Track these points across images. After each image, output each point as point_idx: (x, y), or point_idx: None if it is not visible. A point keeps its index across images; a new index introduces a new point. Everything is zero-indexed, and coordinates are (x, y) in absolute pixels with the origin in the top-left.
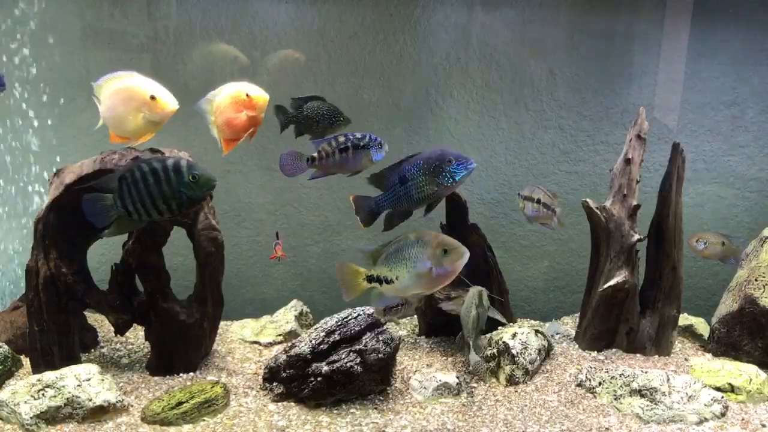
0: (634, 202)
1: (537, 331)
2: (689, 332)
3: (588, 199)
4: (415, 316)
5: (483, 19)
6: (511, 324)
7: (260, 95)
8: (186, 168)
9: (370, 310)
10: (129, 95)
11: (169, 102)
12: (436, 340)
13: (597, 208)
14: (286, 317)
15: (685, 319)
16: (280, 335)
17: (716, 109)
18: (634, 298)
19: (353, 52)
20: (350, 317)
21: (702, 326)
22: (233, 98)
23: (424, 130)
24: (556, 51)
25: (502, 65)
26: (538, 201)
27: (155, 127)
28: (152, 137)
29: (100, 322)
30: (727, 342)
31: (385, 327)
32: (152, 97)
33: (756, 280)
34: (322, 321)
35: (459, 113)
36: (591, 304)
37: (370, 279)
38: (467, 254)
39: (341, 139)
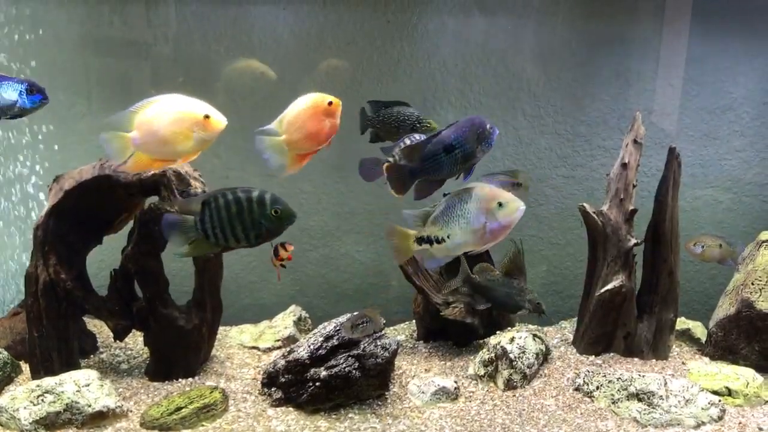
0: (631, 207)
1: (535, 336)
2: (686, 336)
3: (585, 204)
4: (413, 320)
5: (480, 25)
6: (510, 328)
7: (339, 101)
8: (270, 201)
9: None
10: (180, 116)
11: (221, 120)
12: (434, 344)
13: (594, 212)
14: (284, 322)
15: (682, 323)
16: (278, 340)
17: (712, 114)
18: (631, 303)
19: (351, 58)
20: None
21: (699, 330)
22: (314, 109)
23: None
24: (553, 57)
25: (499, 71)
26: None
27: (205, 145)
28: None
29: (99, 327)
30: (724, 346)
31: (383, 332)
32: (206, 117)
33: (752, 283)
34: (321, 326)
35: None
36: (588, 308)
37: (420, 240)
38: (523, 207)
39: (407, 142)
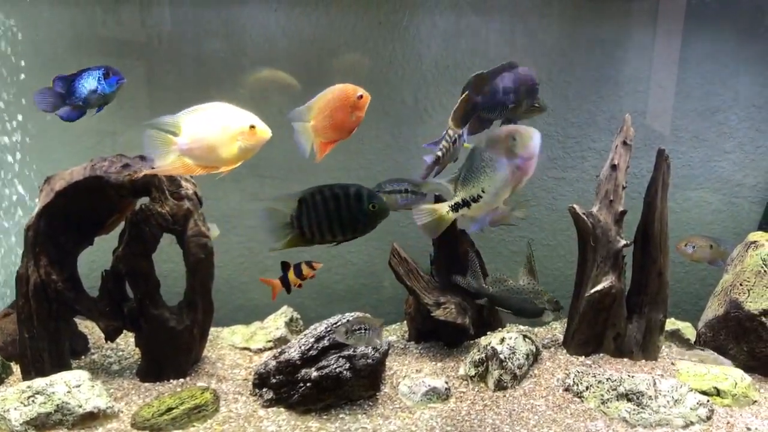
0: (621, 208)
1: (525, 336)
2: (676, 336)
3: (575, 205)
4: (405, 321)
5: (472, 26)
6: (500, 329)
7: (368, 95)
8: (367, 196)
9: (352, 316)
10: (227, 125)
11: (266, 130)
12: (425, 345)
13: (584, 213)
14: (276, 323)
15: (672, 323)
16: (270, 341)
17: (702, 116)
18: (621, 303)
19: (343, 59)
20: (339, 323)
21: (689, 330)
22: (344, 100)
23: (414, 137)
24: (543, 58)
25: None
26: (406, 191)
27: (248, 154)
28: None
29: (90, 328)
30: (713, 346)
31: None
32: (251, 127)
33: (741, 284)
34: (312, 327)
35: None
36: (578, 309)
37: (456, 207)
38: (537, 133)
39: (450, 132)
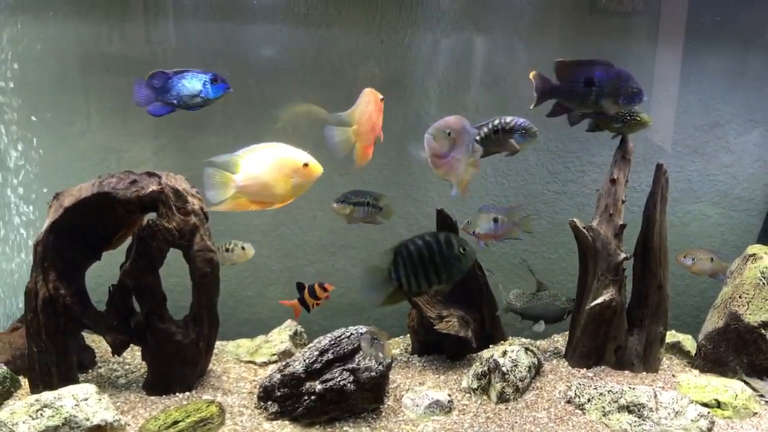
0: (620, 222)
1: (527, 349)
2: (677, 349)
3: (575, 219)
4: (408, 334)
5: (472, 44)
6: (502, 342)
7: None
8: (456, 242)
9: (362, 329)
10: (282, 164)
11: (318, 166)
12: (428, 358)
13: (584, 227)
14: (280, 337)
15: (672, 336)
16: (274, 355)
17: (700, 130)
18: (621, 316)
19: (346, 77)
20: (343, 336)
21: (689, 343)
22: (375, 102)
23: (418, 153)
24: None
25: (491, 89)
26: (367, 203)
27: (301, 191)
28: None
29: (97, 342)
30: (714, 358)
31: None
32: (305, 164)
33: (740, 297)
34: (316, 340)
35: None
36: (579, 321)
37: None
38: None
39: (496, 122)
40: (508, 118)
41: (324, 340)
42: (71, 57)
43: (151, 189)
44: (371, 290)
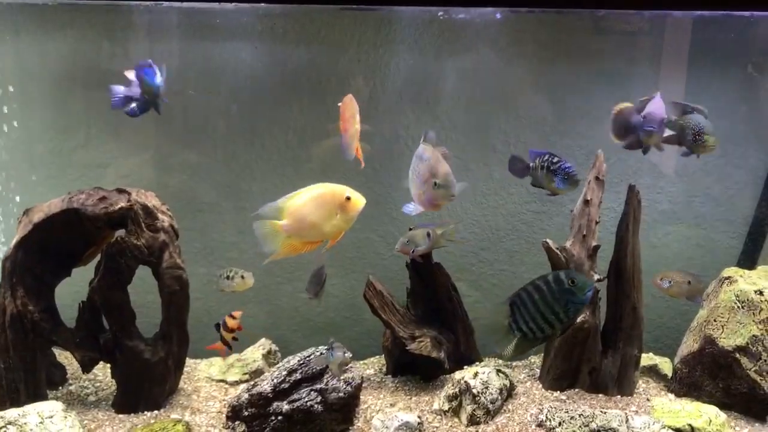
0: (594, 243)
1: (499, 371)
2: (654, 372)
3: (548, 240)
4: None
5: (451, 63)
6: (478, 363)
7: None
8: (564, 276)
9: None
10: (325, 200)
11: (360, 199)
12: (402, 379)
13: (557, 248)
14: (253, 356)
15: (649, 359)
16: (246, 374)
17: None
18: (595, 338)
19: (325, 96)
20: (312, 356)
21: (666, 366)
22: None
23: (396, 171)
24: (522, 95)
25: (470, 108)
26: None
27: (348, 224)
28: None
29: (69, 359)
30: (689, 382)
31: (350, 365)
32: (347, 198)
33: (715, 320)
34: (285, 360)
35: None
36: (553, 343)
37: None
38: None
39: (545, 157)
40: (555, 158)
41: (293, 360)
42: (73, 72)
43: (120, 206)
44: (498, 346)
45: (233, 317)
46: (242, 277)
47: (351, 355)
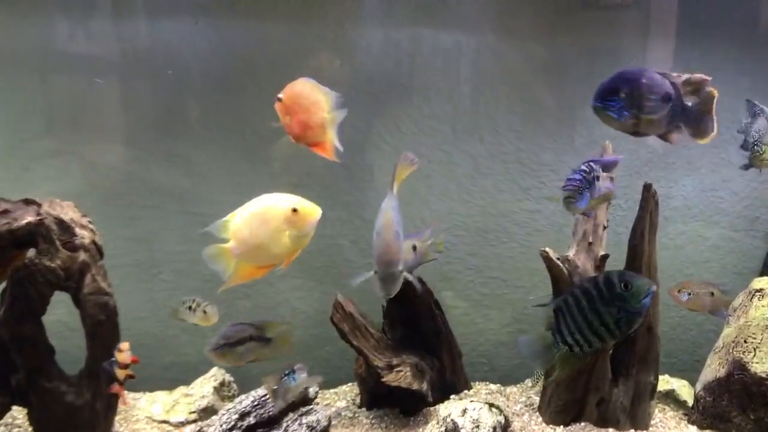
0: (602, 252)
1: (491, 406)
2: (671, 398)
3: (547, 249)
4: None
5: (430, 41)
6: (466, 391)
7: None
8: (617, 277)
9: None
10: (268, 216)
11: (311, 210)
12: (378, 413)
13: (558, 258)
14: (202, 389)
15: (665, 382)
16: (193, 412)
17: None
18: (604, 364)
19: (283, 80)
20: (268, 395)
21: (686, 390)
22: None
23: (368, 166)
24: (514, 77)
25: (452, 92)
26: (250, 338)
27: (304, 240)
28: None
29: None
30: (714, 413)
31: (311, 406)
32: (294, 210)
33: (745, 341)
34: (237, 400)
35: (407, 147)
36: (555, 369)
37: None
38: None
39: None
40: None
41: (246, 401)
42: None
43: (26, 220)
44: (538, 360)
45: (121, 350)
46: (204, 312)
47: (317, 389)
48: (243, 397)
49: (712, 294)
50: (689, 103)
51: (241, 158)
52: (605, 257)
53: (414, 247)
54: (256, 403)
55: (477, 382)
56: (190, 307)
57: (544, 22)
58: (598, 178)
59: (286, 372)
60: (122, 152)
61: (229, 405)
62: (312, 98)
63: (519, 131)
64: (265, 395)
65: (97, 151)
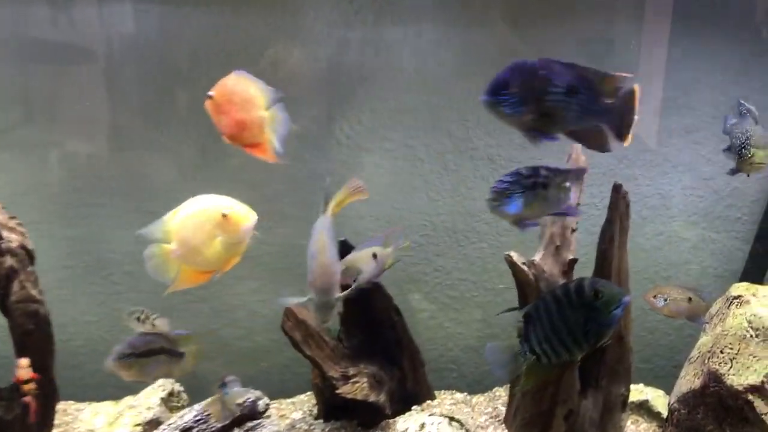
0: (570, 256)
1: (452, 419)
2: (644, 409)
3: (512, 253)
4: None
5: (395, 29)
6: (429, 402)
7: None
8: (588, 285)
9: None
10: (200, 219)
11: (243, 216)
12: (335, 425)
13: (523, 263)
14: (149, 401)
15: (639, 392)
16: (139, 425)
17: (674, 135)
18: (571, 374)
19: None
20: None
21: (660, 401)
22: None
23: (327, 162)
24: (484, 69)
25: (419, 85)
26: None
27: (237, 248)
28: None
29: None
30: (689, 426)
31: (260, 420)
32: (223, 215)
33: (722, 352)
34: (178, 414)
35: (370, 142)
36: (521, 380)
37: None
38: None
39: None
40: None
41: (188, 416)
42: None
43: None
44: (502, 369)
45: (19, 367)
46: (153, 324)
47: (267, 402)
48: (186, 411)
49: (690, 300)
50: (610, 101)
51: (198, 154)
52: (573, 262)
53: (374, 255)
54: (198, 417)
55: (443, 391)
56: (138, 318)
57: (515, 11)
58: (546, 185)
59: (218, 385)
60: (73, 147)
61: (171, 419)
62: (246, 95)
63: (489, 126)
64: (209, 410)
65: (45, 145)
